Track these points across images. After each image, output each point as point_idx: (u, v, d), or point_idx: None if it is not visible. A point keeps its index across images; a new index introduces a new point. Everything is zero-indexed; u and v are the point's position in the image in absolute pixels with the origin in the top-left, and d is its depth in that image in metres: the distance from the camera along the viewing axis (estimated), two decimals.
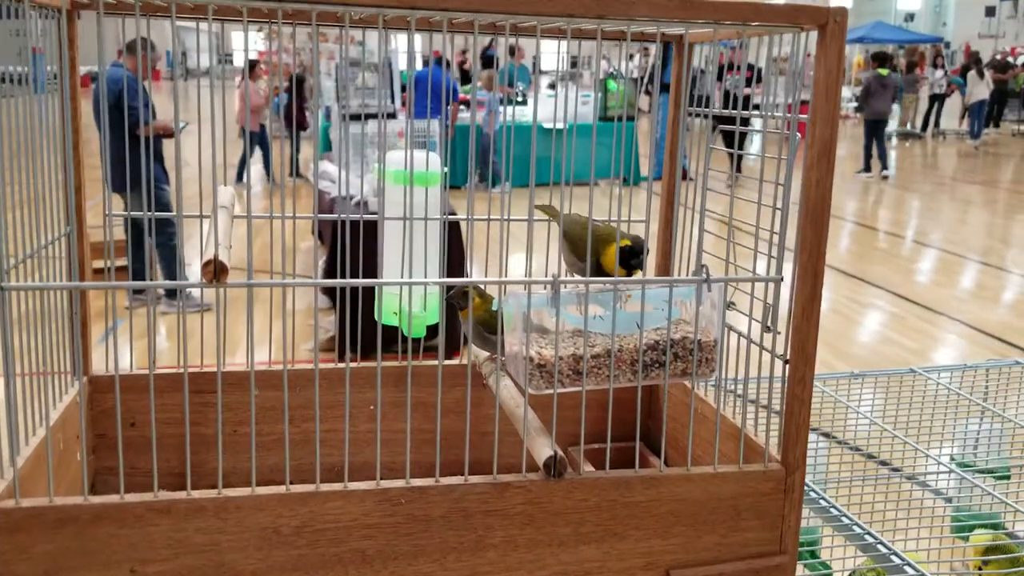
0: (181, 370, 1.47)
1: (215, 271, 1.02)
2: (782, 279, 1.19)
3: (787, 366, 1.21)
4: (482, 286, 1.40)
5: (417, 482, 1.13)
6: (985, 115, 18.28)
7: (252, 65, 9.98)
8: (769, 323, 1.24)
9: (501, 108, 9.11)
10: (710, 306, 1.21)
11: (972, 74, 18.13)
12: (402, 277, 1.46)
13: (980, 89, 17.80)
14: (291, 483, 1.15)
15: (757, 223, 1.21)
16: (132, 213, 1.50)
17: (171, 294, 6.03)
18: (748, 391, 1.24)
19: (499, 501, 1.14)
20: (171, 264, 6.04)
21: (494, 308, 1.25)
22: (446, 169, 1.56)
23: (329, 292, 6.12)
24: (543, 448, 1.15)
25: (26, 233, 1.16)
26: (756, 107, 1.28)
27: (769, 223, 1.24)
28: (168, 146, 6.24)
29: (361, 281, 1.13)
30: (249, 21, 1.24)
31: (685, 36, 1.15)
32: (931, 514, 2.08)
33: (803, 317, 1.18)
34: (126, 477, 1.50)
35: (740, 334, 1.28)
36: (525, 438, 1.19)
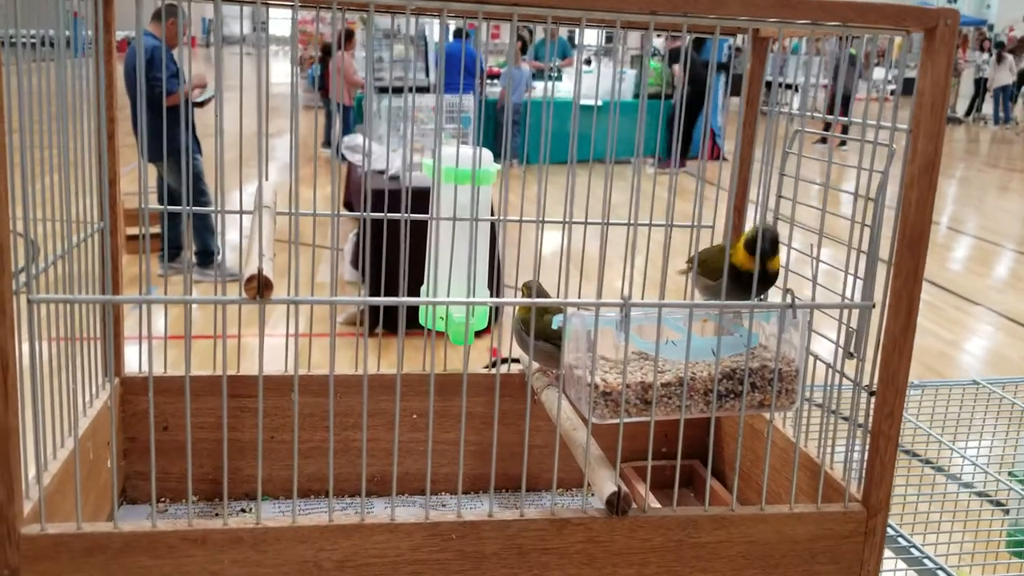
0: (216, 373, 1.40)
1: (259, 287, 0.94)
2: (874, 305, 1.09)
3: (872, 398, 1.11)
4: (540, 293, 1.30)
5: (469, 516, 1.04)
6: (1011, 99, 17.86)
7: (348, 35, 9.35)
8: (853, 350, 1.14)
9: (534, 84, 8.96)
10: (791, 332, 1.12)
11: (993, 58, 17.71)
12: (450, 280, 1.38)
13: (1003, 75, 17.38)
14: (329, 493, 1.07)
15: (849, 242, 1.10)
16: (168, 208, 1.41)
17: (203, 262, 5.99)
18: (828, 423, 1.15)
19: (557, 539, 1.06)
20: (203, 233, 5.99)
21: (554, 326, 1.16)
22: (499, 167, 1.47)
23: (359, 265, 6.05)
24: (606, 483, 1.06)
25: (56, 209, 1.07)
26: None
27: (851, 237, 1.14)
28: (201, 116, 6.17)
29: (412, 300, 1.04)
30: (300, 5, 1.15)
31: (780, 31, 1.05)
32: (988, 530, 1.99)
33: (894, 348, 1.08)
34: (158, 482, 1.43)
35: (823, 361, 1.18)
36: (586, 470, 1.10)
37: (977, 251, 8.51)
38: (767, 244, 1.14)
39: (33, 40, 1.06)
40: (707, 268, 1.19)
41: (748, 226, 1.49)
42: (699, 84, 9.07)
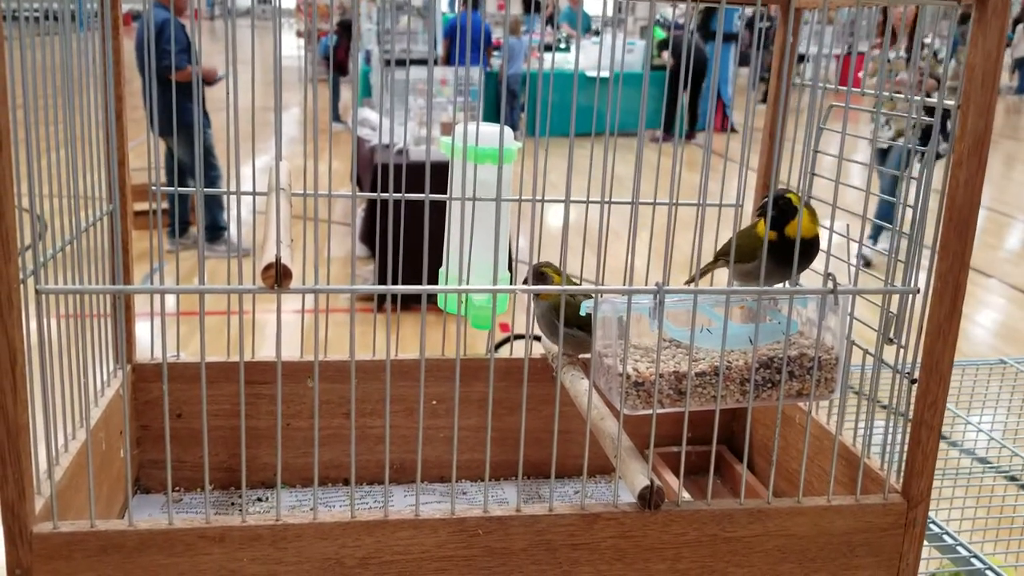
0: (230, 360, 1.36)
1: (277, 275, 0.89)
2: (919, 291, 1.05)
3: (913, 386, 1.07)
4: (564, 276, 1.26)
5: (497, 511, 1.01)
6: None
7: None
8: (892, 335, 1.09)
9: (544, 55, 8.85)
10: (831, 319, 1.07)
11: (1020, 27, 17.45)
12: (470, 263, 1.33)
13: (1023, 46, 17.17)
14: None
15: (899, 224, 1.05)
16: (179, 190, 1.37)
17: (211, 238, 5.97)
18: (869, 414, 1.10)
19: (587, 534, 1.02)
20: (212, 207, 5.97)
21: (582, 312, 1.11)
22: (519, 144, 1.42)
23: (368, 241, 6.00)
24: (637, 476, 1.02)
25: (63, 187, 1.03)
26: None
27: (896, 218, 1.09)
28: (211, 90, 6.12)
29: (434, 288, 1.00)
30: None
31: (824, 3, 0.99)
32: (1012, 516, 1.95)
33: (938, 335, 1.03)
34: (172, 471, 1.40)
35: (860, 347, 1.14)
36: (617, 463, 1.06)
37: (990, 223, 8.43)
38: (775, 207, 1.09)
39: (36, 14, 1.01)
40: (739, 252, 1.14)
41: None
42: (699, 63, 8.95)
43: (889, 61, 3.30)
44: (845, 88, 1.12)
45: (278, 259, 0.89)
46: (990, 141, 0.99)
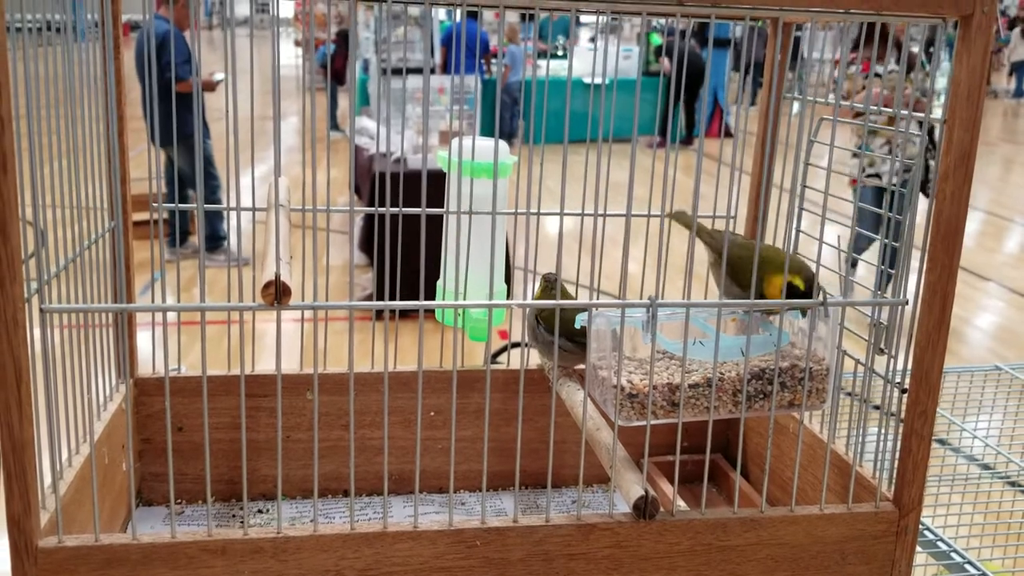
0: (230, 373, 1.38)
1: (277, 293, 0.91)
2: (907, 302, 1.06)
3: (904, 396, 1.08)
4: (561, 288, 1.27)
5: (494, 522, 1.02)
6: None
7: None
8: (883, 345, 1.11)
9: (538, 63, 8.87)
10: (822, 329, 1.09)
11: (1016, 31, 17.53)
12: (467, 277, 1.35)
13: (1021, 49, 17.25)
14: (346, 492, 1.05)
15: (883, 235, 1.07)
16: (176, 208, 1.38)
17: (211, 248, 6.00)
18: (860, 423, 1.12)
19: (583, 544, 1.04)
20: (211, 218, 6.00)
21: (577, 325, 1.13)
22: (515, 159, 1.44)
23: (367, 249, 6.02)
24: (632, 486, 1.04)
25: (64, 198, 1.05)
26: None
27: (883, 230, 1.11)
28: (210, 99, 6.15)
29: (431, 303, 1.02)
30: None
31: (812, 20, 1.01)
32: (1008, 521, 1.97)
33: (928, 344, 1.05)
34: (175, 484, 1.41)
35: (852, 357, 1.15)
36: (612, 473, 1.08)
37: (989, 226, 8.45)
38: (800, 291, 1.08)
39: (38, 26, 1.03)
40: (738, 274, 1.14)
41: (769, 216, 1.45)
42: (694, 67, 8.99)
43: (879, 75, 3.33)
44: (834, 103, 1.14)
45: (278, 277, 0.91)
46: (976, 155, 1.01)
